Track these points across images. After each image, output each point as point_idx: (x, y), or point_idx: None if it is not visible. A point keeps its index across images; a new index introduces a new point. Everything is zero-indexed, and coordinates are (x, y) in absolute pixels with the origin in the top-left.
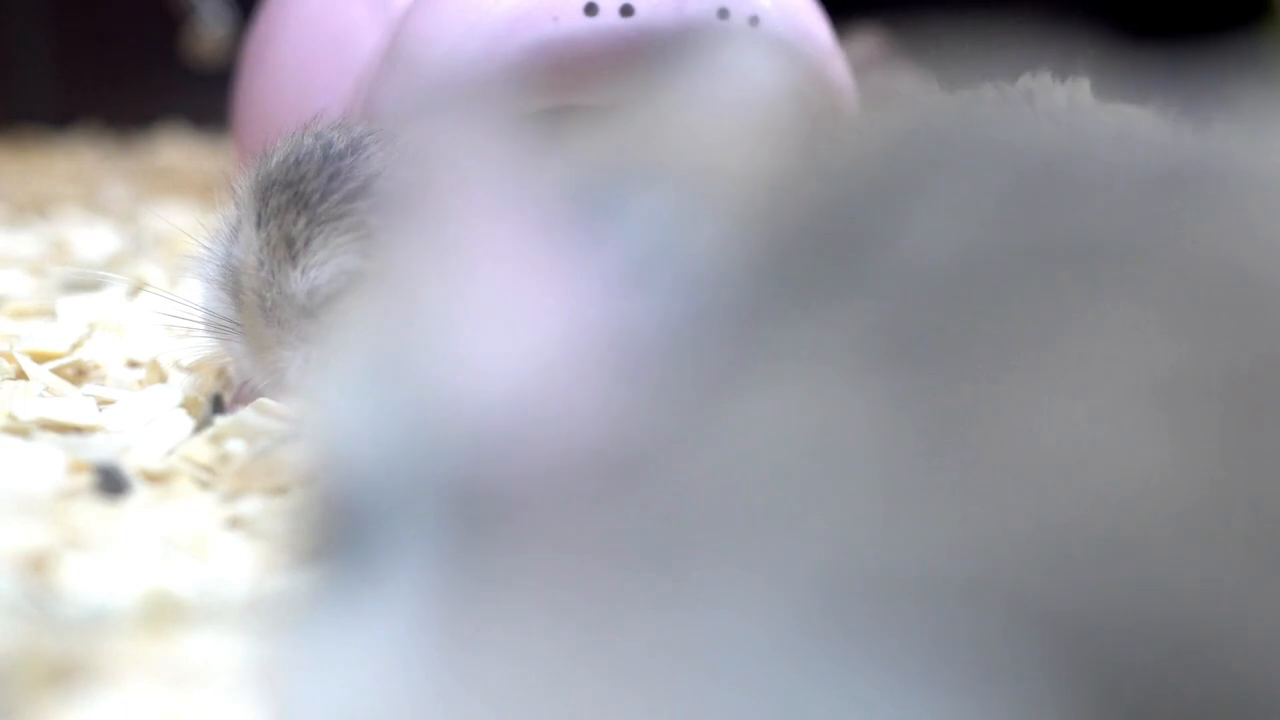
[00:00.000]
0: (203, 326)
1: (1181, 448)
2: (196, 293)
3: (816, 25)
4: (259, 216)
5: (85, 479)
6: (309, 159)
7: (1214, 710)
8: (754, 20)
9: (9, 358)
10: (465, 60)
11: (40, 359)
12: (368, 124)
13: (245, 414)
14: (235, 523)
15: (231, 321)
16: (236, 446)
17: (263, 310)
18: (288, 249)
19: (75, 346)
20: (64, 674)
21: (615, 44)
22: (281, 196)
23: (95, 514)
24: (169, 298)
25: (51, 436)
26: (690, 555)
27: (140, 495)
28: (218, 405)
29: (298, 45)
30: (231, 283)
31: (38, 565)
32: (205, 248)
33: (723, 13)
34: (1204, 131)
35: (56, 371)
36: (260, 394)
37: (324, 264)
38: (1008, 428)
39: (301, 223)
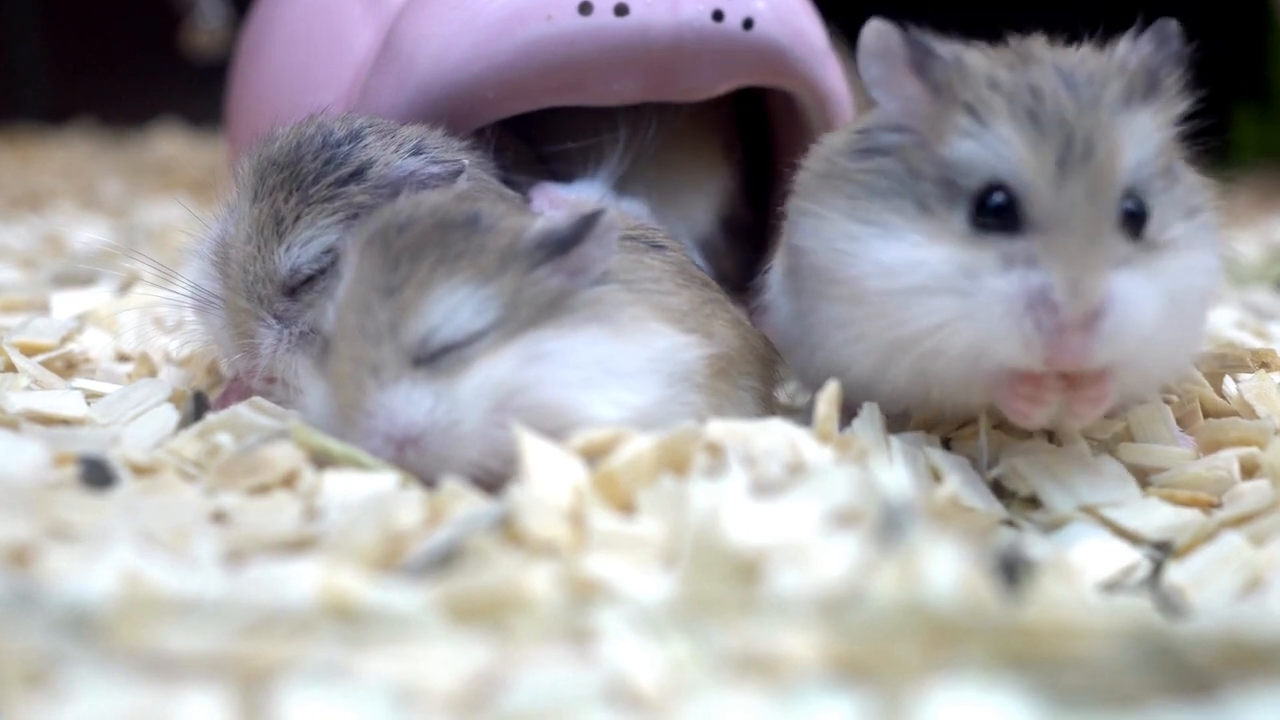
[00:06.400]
0: (188, 301)
1: None
2: (188, 268)
3: (811, 27)
4: (255, 194)
5: (70, 471)
6: (309, 144)
7: None
8: (748, 22)
9: None
10: (459, 58)
11: (30, 351)
12: (368, 118)
13: (234, 409)
14: (219, 516)
15: (215, 296)
16: (223, 440)
17: (245, 284)
18: (276, 226)
19: (65, 340)
20: (42, 670)
21: (609, 43)
22: (278, 176)
23: (79, 506)
24: (161, 292)
25: (39, 429)
26: None
27: (126, 487)
28: (200, 403)
29: (293, 42)
30: (221, 258)
31: (19, 557)
32: (203, 225)
33: (717, 15)
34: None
35: (46, 364)
36: (250, 392)
37: (308, 242)
38: None
39: (293, 201)
